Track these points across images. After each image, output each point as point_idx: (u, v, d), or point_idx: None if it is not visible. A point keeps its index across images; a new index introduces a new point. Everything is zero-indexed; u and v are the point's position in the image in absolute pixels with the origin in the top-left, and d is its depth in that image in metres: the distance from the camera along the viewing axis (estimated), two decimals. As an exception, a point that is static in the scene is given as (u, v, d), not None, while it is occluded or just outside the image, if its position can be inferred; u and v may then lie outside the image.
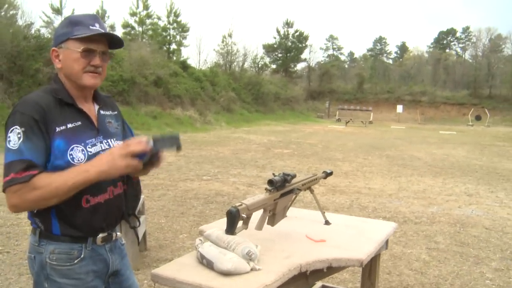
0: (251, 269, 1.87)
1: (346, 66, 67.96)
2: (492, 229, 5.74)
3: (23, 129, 1.46)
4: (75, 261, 1.57)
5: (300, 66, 55.00)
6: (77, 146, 1.55)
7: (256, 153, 12.90)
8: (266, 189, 2.21)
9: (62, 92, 1.60)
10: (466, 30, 62.89)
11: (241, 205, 1.99)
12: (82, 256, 1.58)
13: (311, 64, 53.72)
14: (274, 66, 51.07)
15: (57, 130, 1.52)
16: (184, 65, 29.27)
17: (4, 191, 1.44)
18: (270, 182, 2.20)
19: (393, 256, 4.62)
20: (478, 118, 36.40)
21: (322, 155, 12.98)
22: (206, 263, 1.90)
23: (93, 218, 1.60)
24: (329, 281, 3.54)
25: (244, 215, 1.99)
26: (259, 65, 42.91)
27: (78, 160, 1.53)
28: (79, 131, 1.58)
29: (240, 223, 2.01)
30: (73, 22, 1.60)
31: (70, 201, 1.51)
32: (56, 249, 1.55)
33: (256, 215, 2.20)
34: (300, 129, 25.44)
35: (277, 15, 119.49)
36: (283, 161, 11.43)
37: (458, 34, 64.02)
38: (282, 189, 2.29)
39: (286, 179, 2.30)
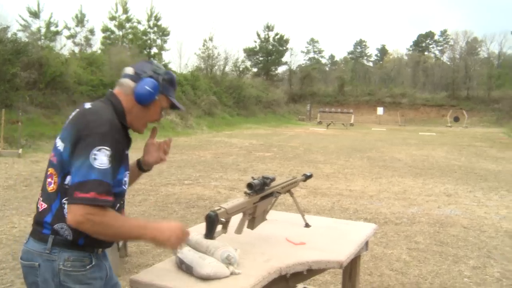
0: (231, 273, 1.87)
1: (327, 69, 68.37)
2: (470, 228, 5.84)
3: (112, 152, 1.54)
4: (88, 267, 1.62)
5: (281, 69, 55.20)
6: (126, 174, 1.73)
7: (237, 157, 12.90)
8: (245, 192, 2.21)
9: (123, 118, 1.71)
10: (444, 33, 64.00)
11: (220, 209, 1.99)
12: (93, 263, 1.64)
13: (292, 67, 53.94)
14: (255, 70, 51.09)
15: (123, 157, 1.67)
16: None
17: (73, 203, 1.48)
18: (249, 185, 2.21)
19: (374, 257, 4.66)
20: (456, 119, 36.97)
21: (303, 158, 13.04)
22: (185, 268, 1.89)
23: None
24: (310, 283, 3.55)
25: (223, 219, 1.98)
26: (240, 69, 42.81)
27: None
28: (127, 158, 1.75)
29: (219, 227, 2.00)
30: (173, 82, 1.80)
31: None
32: (71, 256, 1.59)
33: (236, 219, 2.20)
34: (282, 132, 25.50)
35: (258, 18, 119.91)
36: (264, 164, 11.44)
37: (436, 37, 65.08)
38: (262, 192, 2.29)
39: (265, 182, 2.30)
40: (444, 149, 16.56)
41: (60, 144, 1.62)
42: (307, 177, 2.89)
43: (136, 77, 1.71)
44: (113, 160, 1.55)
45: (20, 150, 11.96)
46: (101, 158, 1.51)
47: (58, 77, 17.92)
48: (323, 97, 46.52)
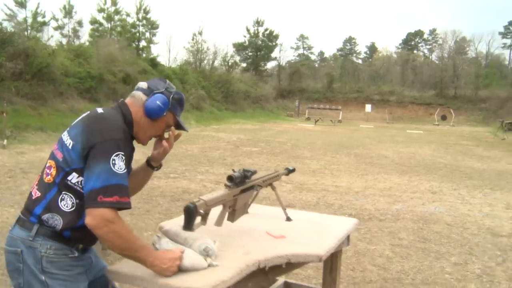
0: (208, 265, 1.85)
1: (316, 65, 68.50)
2: (454, 225, 5.88)
3: (125, 157, 1.66)
4: (70, 256, 1.72)
5: (270, 65, 55.16)
6: None
7: (224, 151, 12.87)
8: (225, 185, 2.19)
9: (131, 128, 1.82)
10: (433, 32, 64.36)
11: (199, 200, 1.97)
12: (75, 254, 1.74)
13: (281, 63, 53.93)
14: (244, 65, 51.02)
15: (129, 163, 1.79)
16: (154, 63, 28.96)
17: (97, 206, 1.56)
18: (230, 178, 2.19)
19: (357, 252, 4.68)
20: (444, 117, 37.26)
21: (290, 153, 13.05)
22: (162, 260, 1.86)
23: (92, 239, 1.80)
24: (292, 278, 3.55)
25: (202, 211, 1.96)
26: (229, 64, 42.72)
27: None
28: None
29: (198, 219, 1.99)
30: (182, 102, 1.91)
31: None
32: (53, 245, 1.68)
33: (217, 212, 2.19)
34: (270, 127, 25.50)
35: (247, 13, 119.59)
36: (251, 159, 11.43)
37: (425, 36, 65.40)
38: (242, 185, 2.28)
39: (246, 175, 2.28)
40: (431, 147, 16.69)
41: (69, 141, 1.70)
42: (290, 171, 2.88)
43: (149, 92, 1.83)
44: (127, 165, 1.68)
45: (5, 141, 11.82)
46: (119, 163, 1.62)
47: (44, 68, 17.70)
48: (312, 93, 46.58)
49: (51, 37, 29.03)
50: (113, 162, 1.60)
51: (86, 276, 1.82)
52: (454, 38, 55.32)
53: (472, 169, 11.11)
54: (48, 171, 1.73)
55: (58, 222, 1.67)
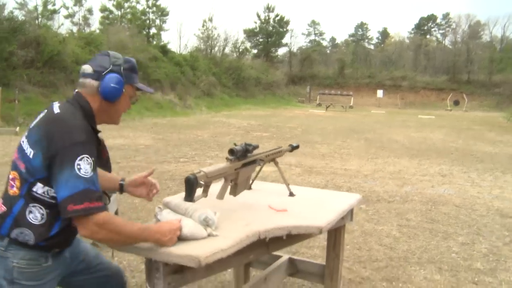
0: (208, 235, 1.87)
1: (328, 51, 67.90)
2: (462, 206, 5.86)
3: (93, 159, 1.56)
4: (43, 265, 1.65)
5: (281, 51, 54.96)
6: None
7: (235, 136, 12.90)
8: (227, 158, 2.21)
9: (93, 121, 1.71)
10: (446, 16, 63.29)
11: (199, 172, 1.99)
12: (48, 262, 1.67)
13: (292, 49, 53.65)
14: (255, 51, 50.86)
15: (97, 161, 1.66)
16: (164, 50, 28.96)
17: (71, 216, 1.52)
18: (231, 151, 2.20)
19: (364, 232, 4.69)
20: (456, 103, 36.88)
21: (301, 138, 13.03)
22: (163, 230, 1.90)
23: (70, 241, 1.77)
24: (298, 256, 3.58)
25: (202, 182, 1.99)
26: (240, 50, 42.71)
27: None
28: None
29: (199, 191, 2.01)
30: (134, 68, 1.80)
31: (67, 229, 1.66)
32: (27, 255, 1.61)
33: (219, 187, 2.21)
34: (281, 113, 25.46)
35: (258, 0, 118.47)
36: (262, 143, 11.34)
37: (438, 20, 64.39)
38: (244, 159, 2.30)
39: (247, 149, 2.30)
40: (442, 132, 16.55)
41: (29, 150, 1.59)
42: (293, 148, 2.89)
43: (97, 75, 1.69)
44: (95, 166, 1.58)
45: (18, 128, 11.99)
46: (85, 166, 1.52)
47: (55, 56, 17.83)
48: (323, 79, 46.35)
49: (62, 25, 29.25)
50: (78, 167, 1.50)
51: (62, 274, 1.79)
52: (468, 22, 54.55)
53: (483, 153, 11.01)
54: (12, 183, 1.63)
55: (29, 237, 1.60)
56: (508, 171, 8.54)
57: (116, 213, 4.47)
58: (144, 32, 33.73)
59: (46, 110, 1.69)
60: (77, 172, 1.50)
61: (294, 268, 3.06)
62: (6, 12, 17.55)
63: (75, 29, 31.83)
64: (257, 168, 2.61)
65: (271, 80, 39.02)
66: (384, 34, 70.02)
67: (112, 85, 1.68)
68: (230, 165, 2.18)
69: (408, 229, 4.84)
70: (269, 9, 51.39)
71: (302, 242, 4.27)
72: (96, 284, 1.97)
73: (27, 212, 1.60)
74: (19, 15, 20.02)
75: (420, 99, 41.90)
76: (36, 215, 1.60)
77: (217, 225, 1.95)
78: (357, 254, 4.09)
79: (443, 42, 62.03)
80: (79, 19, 34.89)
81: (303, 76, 46.39)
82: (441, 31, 64.55)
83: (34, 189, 1.58)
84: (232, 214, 2.20)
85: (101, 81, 1.68)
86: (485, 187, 7.09)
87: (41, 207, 1.60)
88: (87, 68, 1.72)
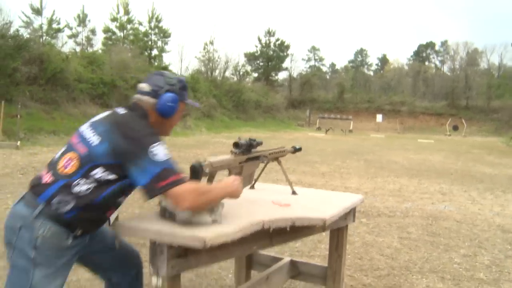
0: (212, 222, 1.88)
1: (328, 77, 68.43)
2: (463, 222, 5.84)
3: (166, 146, 1.73)
4: (64, 241, 1.72)
5: (281, 75, 55.37)
6: None
7: (235, 155, 12.89)
8: (231, 151, 2.23)
9: None
10: (444, 43, 64.01)
11: (205, 161, 2.01)
12: (69, 241, 1.74)
13: (292, 74, 54.10)
14: (255, 75, 51.30)
15: None
16: (166, 71, 29.17)
17: (163, 193, 1.66)
18: (236, 144, 2.23)
19: (365, 243, 4.67)
20: (455, 128, 37.05)
21: (300, 158, 13.01)
22: (168, 215, 1.89)
23: (97, 224, 1.88)
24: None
25: (207, 171, 2.00)
26: (241, 73, 43.06)
27: None
28: None
29: (204, 180, 2.02)
30: (186, 87, 1.99)
31: (103, 208, 1.79)
32: (52, 227, 1.68)
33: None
34: (281, 136, 25.51)
35: (259, 24, 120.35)
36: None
37: (436, 47, 65.13)
38: (248, 154, 2.32)
39: (251, 144, 2.33)
40: (441, 154, 16.58)
41: (93, 138, 1.74)
42: (296, 150, 2.91)
43: (154, 94, 1.87)
44: (168, 151, 1.73)
45: (19, 143, 12.00)
46: (162, 150, 1.69)
47: (58, 74, 17.99)
48: (323, 103, 46.65)
49: (65, 43, 29.52)
50: (156, 152, 1.67)
51: (79, 253, 1.86)
52: (466, 50, 55.14)
53: (483, 174, 11.02)
54: (68, 162, 1.75)
55: (68, 206, 1.69)
56: (509, 191, 8.53)
57: (117, 219, 4.45)
58: (146, 53, 34.08)
59: (111, 111, 1.89)
60: (156, 157, 1.66)
61: (296, 270, 3.04)
62: (12, 30, 17.72)
63: (78, 49, 32.14)
64: (261, 166, 2.62)
65: (271, 103, 39.22)
66: (383, 60, 70.70)
67: (169, 104, 1.86)
68: (234, 157, 2.21)
69: (409, 241, 4.82)
70: (270, 33, 52.07)
71: (303, 251, 4.26)
72: (113, 263, 2.07)
73: (74, 185, 1.70)
74: (24, 33, 20.23)
75: (419, 124, 42.12)
76: (82, 188, 1.70)
77: (222, 215, 1.95)
78: (358, 263, 4.06)
79: (442, 69, 62.62)
80: (82, 39, 35.28)
81: (303, 100, 46.69)
82: (439, 58, 65.26)
83: (93, 172, 1.70)
84: (236, 206, 2.20)
85: (159, 99, 1.86)
86: (486, 205, 7.07)
87: (91, 183, 1.71)
88: (145, 86, 1.90)
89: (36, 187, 1.75)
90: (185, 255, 1.80)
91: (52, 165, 1.79)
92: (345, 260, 2.88)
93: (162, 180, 1.64)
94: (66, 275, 1.82)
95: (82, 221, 1.74)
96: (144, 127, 1.76)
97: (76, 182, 1.70)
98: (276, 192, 2.74)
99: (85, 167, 1.71)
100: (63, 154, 1.80)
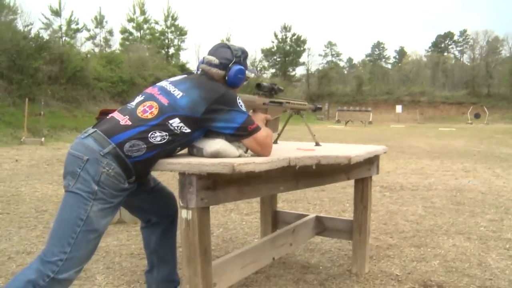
0: (240, 155, 1.92)
1: (345, 72, 67.94)
2: (488, 193, 5.78)
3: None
4: (121, 184, 1.82)
5: (299, 70, 55.21)
6: None
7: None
8: (254, 92, 2.28)
9: None
10: (463, 33, 63.02)
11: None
12: (126, 185, 1.84)
13: (309, 68, 53.89)
14: (273, 70, 51.26)
15: None
16: (183, 69, 29.40)
17: (251, 135, 1.93)
18: (258, 85, 2.28)
19: (389, 212, 4.67)
20: (477, 116, 36.46)
21: (321, 146, 13.02)
22: (196, 151, 1.94)
23: (148, 173, 2.04)
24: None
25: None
26: (258, 69, 43.02)
27: None
28: None
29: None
30: (247, 55, 2.18)
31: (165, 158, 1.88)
32: (116, 168, 1.78)
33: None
34: (300, 128, 25.40)
35: (275, 20, 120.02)
36: (281, 149, 11.45)
37: (455, 38, 64.16)
38: (271, 97, 2.36)
39: (273, 88, 2.37)
40: (464, 139, 16.37)
41: (177, 92, 1.89)
42: (316, 108, 2.97)
43: (223, 67, 2.01)
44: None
45: (43, 139, 12.26)
46: (242, 103, 1.94)
47: (78, 73, 18.29)
48: (341, 96, 46.37)
49: (84, 43, 29.97)
50: (240, 104, 1.91)
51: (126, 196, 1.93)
52: (486, 38, 54.13)
53: (507, 155, 10.85)
54: (148, 109, 1.85)
55: (139, 150, 1.78)
56: (534, 168, 8.39)
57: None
58: (163, 52, 34.35)
59: (184, 75, 2.07)
60: (242, 108, 1.92)
61: (321, 226, 3.07)
62: (32, 32, 18.10)
63: (96, 50, 32.56)
64: (284, 119, 2.67)
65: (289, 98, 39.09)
66: (401, 53, 69.93)
67: (239, 76, 2.02)
68: (258, 97, 2.25)
69: (433, 209, 4.80)
70: (286, 28, 51.97)
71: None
72: (153, 204, 2.22)
73: (150, 133, 1.80)
74: (45, 34, 20.63)
75: (440, 113, 41.57)
76: (156, 136, 1.81)
77: (249, 155, 1.99)
78: (383, 227, 4.06)
79: (461, 59, 61.66)
80: (100, 40, 35.71)
81: (321, 94, 46.51)
82: (458, 48, 64.26)
83: (171, 121, 1.83)
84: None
85: (228, 72, 2.00)
86: (511, 180, 6.97)
87: (166, 133, 1.82)
88: (213, 59, 2.01)
89: (111, 127, 1.82)
90: (213, 187, 1.83)
91: (127, 111, 1.88)
92: (370, 211, 2.89)
93: (250, 124, 1.91)
94: (115, 214, 1.92)
95: (141, 168, 1.83)
96: (223, 86, 1.95)
97: (153, 130, 1.79)
98: (300, 145, 2.77)
99: (165, 115, 1.82)
100: (141, 102, 1.90)
